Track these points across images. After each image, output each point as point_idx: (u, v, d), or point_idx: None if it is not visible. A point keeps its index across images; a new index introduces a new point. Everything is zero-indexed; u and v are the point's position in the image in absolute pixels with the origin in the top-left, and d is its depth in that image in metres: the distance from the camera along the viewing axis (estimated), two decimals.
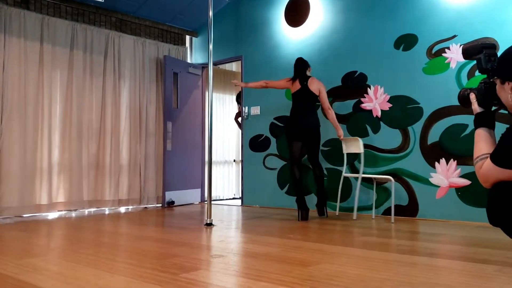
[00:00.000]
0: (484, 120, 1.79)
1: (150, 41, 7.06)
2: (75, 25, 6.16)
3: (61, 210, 5.89)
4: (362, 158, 5.06)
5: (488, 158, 1.65)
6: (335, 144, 5.73)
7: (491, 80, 1.77)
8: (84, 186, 6.15)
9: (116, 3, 6.48)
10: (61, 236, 4.26)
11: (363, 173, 5.13)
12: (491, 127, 1.79)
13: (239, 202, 7.20)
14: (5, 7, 5.49)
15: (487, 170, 1.64)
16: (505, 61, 1.63)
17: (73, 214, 5.78)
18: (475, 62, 1.95)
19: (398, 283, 2.36)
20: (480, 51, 1.82)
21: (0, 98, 5.38)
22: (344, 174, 5.27)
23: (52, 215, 5.66)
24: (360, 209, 5.29)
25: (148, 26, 7.15)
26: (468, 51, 1.87)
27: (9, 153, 5.42)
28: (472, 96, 1.85)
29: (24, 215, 5.50)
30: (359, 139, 5.05)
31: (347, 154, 5.28)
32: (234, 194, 8.44)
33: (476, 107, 1.83)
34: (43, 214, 5.66)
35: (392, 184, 4.86)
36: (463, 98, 1.92)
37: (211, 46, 4.93)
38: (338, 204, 5.44)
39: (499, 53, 1.71)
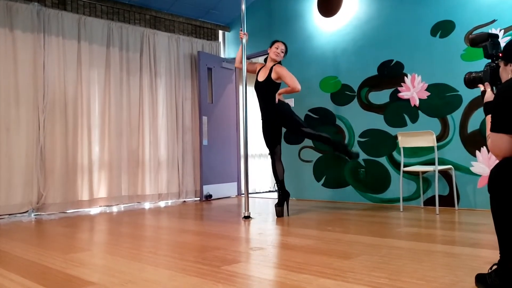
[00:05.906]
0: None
1: (184, 38, 7.13)
2: (111, 24, 6.28)
3: (102, 206, 6.03)
4: (436, 152, 4.77)
5: None
6: (373, 135, 5.67)
7: (496, 63, 2.07)
8: (124, 182, 6.27)
9: (150, 1, 6.56)
10: (104, 231, 4.38)
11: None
12: None
13: (275, 195, 7.20)
14: (44, 9, 5.64)
15: (491, 141, 1.88)
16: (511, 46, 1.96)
17: (114, 209, 5.92)
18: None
19: (441, 273, 2.32)
20: (486, 39, 2.10)
21: (42, 97, 5.54)
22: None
23: (93, 210, 5.81)
24: (396, 200, 5.21)
25: (182, 23, 7.21)
26: (475, 40, 2.15)
27: (52, 151, 5.59)
28: (487, 86, 2.09)
29: (68, 211, 5.67)
30: (433, 132, 4.81)
31: (404, 148, 5.03)
32: (270, 187, 8.45)
33: (488, 96, 2.06)
34: (85, 209, 5.81)
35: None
36: (469, 81, 2.22)
37: (244, 40, 4.94)
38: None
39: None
